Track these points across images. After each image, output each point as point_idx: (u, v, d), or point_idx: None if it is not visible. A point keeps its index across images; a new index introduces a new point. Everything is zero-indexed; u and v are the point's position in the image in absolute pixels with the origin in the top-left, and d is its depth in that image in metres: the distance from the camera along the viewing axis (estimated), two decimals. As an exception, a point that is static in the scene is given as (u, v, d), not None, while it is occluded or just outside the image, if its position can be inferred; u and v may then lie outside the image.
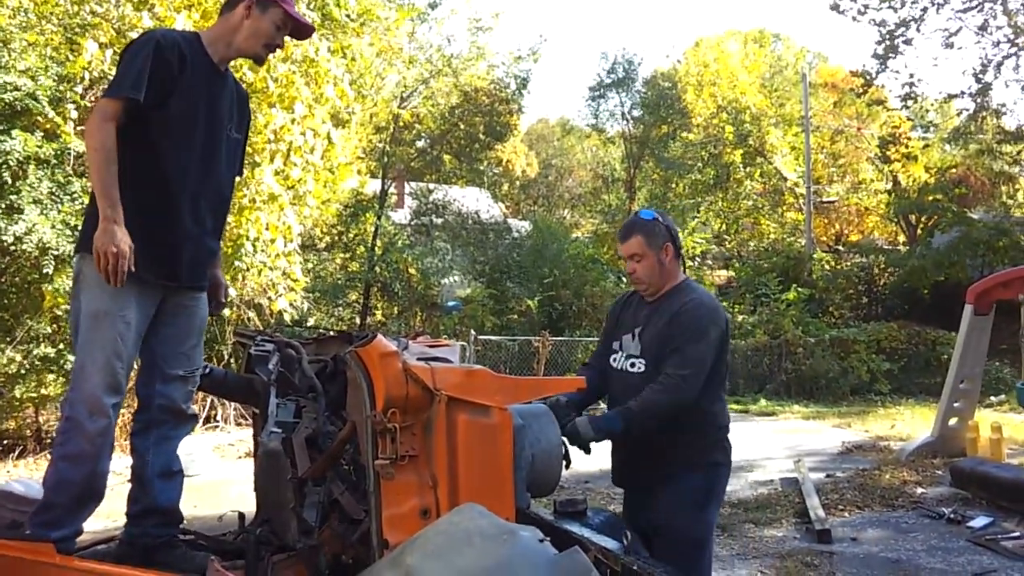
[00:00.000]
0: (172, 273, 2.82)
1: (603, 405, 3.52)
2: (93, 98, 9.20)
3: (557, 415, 2.96)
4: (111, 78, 2.76)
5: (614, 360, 3.37)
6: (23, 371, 9.05)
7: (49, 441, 9.84)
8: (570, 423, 3.03)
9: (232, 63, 3.08)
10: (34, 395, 9.38)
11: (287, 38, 3.10)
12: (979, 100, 18.96)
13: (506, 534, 1.90)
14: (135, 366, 2.83)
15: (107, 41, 8.02)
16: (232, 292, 10.24)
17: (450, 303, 20.51)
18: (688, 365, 3.07)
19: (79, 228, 2.85)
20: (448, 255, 21.11)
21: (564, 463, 2.98)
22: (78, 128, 8.58)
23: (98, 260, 2.52)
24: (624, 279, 21.88)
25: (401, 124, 20.27)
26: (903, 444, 9.85)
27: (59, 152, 8.58)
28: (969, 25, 18.58)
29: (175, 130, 2.77)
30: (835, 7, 18.80)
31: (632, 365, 3.27)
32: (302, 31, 3.12)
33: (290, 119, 8.64)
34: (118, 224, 2.54)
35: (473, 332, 14.49)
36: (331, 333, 3.49)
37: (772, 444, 10.36)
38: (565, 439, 2.99)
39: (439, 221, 21.99)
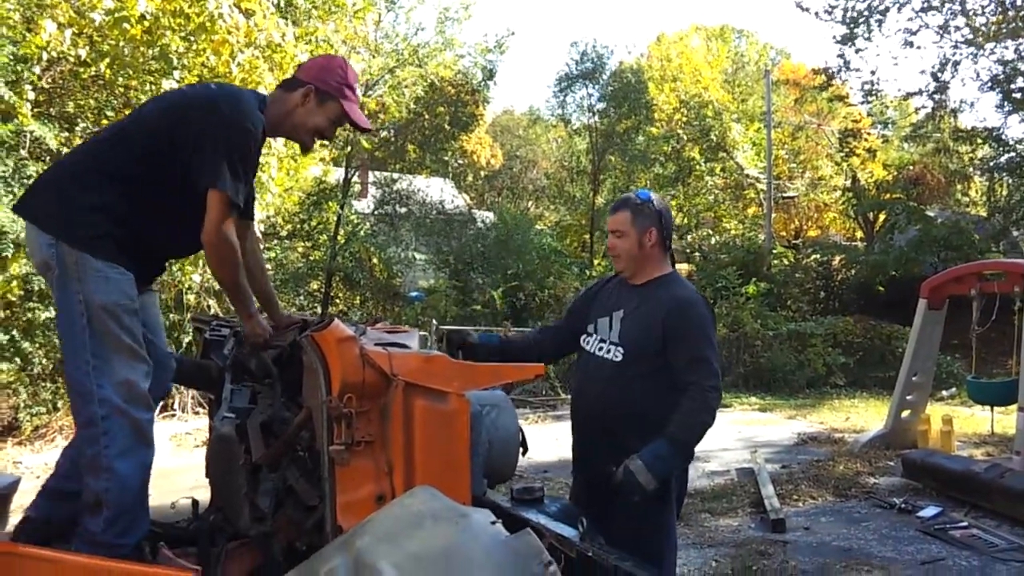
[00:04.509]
0: (150, 280, 2.89)
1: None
2: (50, 79, 9.01)
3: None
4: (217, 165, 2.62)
5: (586, 342, 3.31)
6: (-27, 359, 8.88)
7: (0, 429, 9.65)
8: (623, 470, 2.92)
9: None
10: (-16, 382, 9.21)
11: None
12: (937, 98, 19.30)
13: (458, 516, 1.91)
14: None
15: (66, 21, 7.84)
16: (196, 279, 10.11)
17: (413, 293, 20.44)
18: (714, 373, 3.04)
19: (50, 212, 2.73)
20: (411, 245, 21.03)
21: (521, 450, 2.99)
22: (35, 110, 8.40)
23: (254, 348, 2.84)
24: (587, 271, 22.00)
25: (366, 113, 20.10)
26: (857, 436, 10.02)
27: (15, 133, 8.40)
28: (930, 24, 18.91)
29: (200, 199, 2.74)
30: (800, 5, 19.04)
31: (608, 352, 3.19)
32: (360, 130, 3.13)
33: (252, 104, 8.52)
34: (258, 317, 2.86)
35: (435, 322, 14.44)
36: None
37: (728, 435, 10.48)
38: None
39: (403, 211, 21.87)
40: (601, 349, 3.22)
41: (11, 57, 7.89)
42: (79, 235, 2.57)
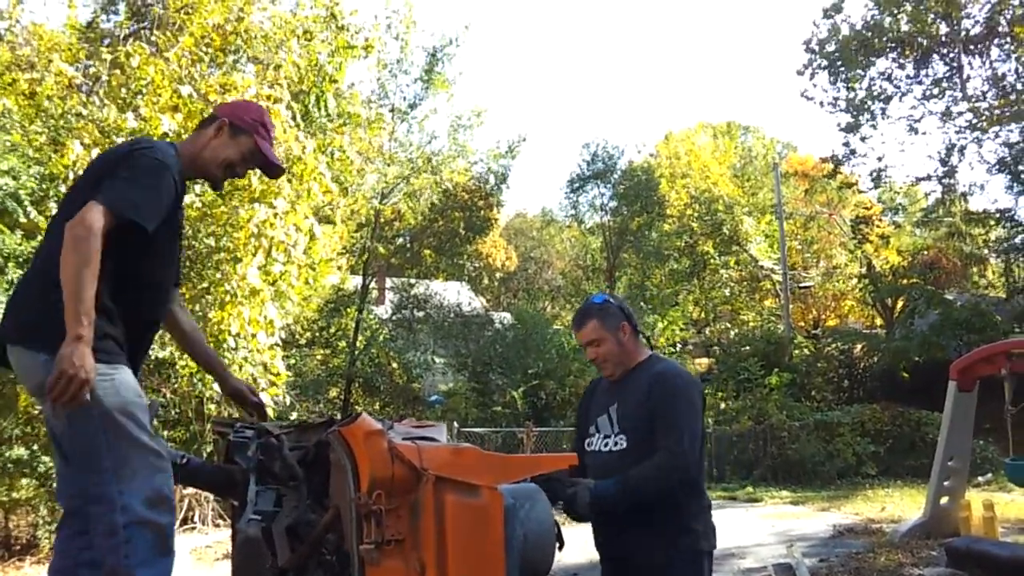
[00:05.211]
0: (136, 367, 2.78)
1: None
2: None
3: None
4: (114, 184, 2.53)
5: (589, 444, 3.28)
6: (-6, 474, 8.82)
7: (18, 548, 9.50)
8: (573, 492, 2.95)
9: None
10: (4, 499, 9.10)
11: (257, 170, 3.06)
12: (946, 183, 19.49)
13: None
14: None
15: (91, 141, 8.09)
16: (217, 387, 10.05)
17: (433, 397, 20.36)
18: (686, 438, 2.99)
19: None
20: (430, 349, 21.07)
21: (558, 544, 2.89)
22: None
23: (59, 379, 2.30)
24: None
25: (382, 221, 20.46)
26: (895, 526, 9.71)
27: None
28: (933, 111, 19.28)
29: (157, 251, 2.71)
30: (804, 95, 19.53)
31: (615, 444, 3.15)
32: (271, 170, 3.05)
33: (272, 214, 8.69)
34: (89, 347, 2.36)
35: (456, 424, 14.31)
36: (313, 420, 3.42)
37: (761, 530, 10.18)
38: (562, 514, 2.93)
39: (420, 315, 22.01)
40: (607, 444, 3.19)
41: (37, 177, 8.11)
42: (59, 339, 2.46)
